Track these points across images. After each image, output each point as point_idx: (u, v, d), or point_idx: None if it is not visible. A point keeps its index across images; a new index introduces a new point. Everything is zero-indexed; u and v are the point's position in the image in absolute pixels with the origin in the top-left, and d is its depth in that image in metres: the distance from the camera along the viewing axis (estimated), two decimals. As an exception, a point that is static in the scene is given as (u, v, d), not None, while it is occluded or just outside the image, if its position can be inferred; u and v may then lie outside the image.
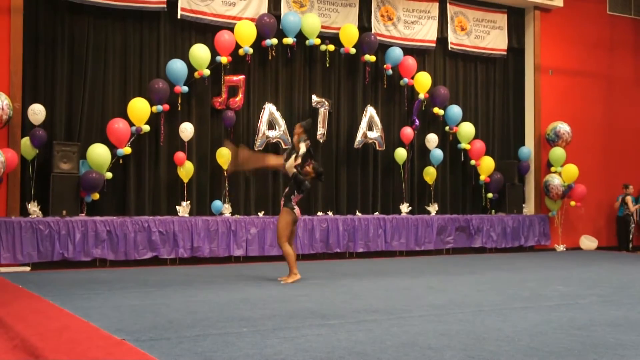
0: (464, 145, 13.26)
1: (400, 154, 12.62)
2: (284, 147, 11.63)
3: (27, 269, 9.22)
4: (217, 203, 11.01)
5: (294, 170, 7.95)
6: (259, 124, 11.43)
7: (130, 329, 4.92)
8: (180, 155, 10.75)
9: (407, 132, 12.67)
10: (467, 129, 13.19)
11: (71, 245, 9.44)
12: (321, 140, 12.07)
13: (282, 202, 8.09)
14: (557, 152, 13.79)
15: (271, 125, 11.50)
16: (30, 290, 7.09)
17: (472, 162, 13.36)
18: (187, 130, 10.78)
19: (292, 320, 5.39)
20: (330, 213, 12.03)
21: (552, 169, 13.89)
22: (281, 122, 11.52)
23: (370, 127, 12.36)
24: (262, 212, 11.45)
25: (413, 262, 10.99)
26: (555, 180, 13.61)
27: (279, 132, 11.50)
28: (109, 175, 10.20)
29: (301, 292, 7.12)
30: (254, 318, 5.43)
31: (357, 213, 12.31)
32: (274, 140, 11.53)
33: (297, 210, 7.97)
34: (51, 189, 9.66)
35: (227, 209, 11.08)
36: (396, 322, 5.33)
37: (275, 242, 10.91)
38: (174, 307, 6.01)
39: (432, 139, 12.94)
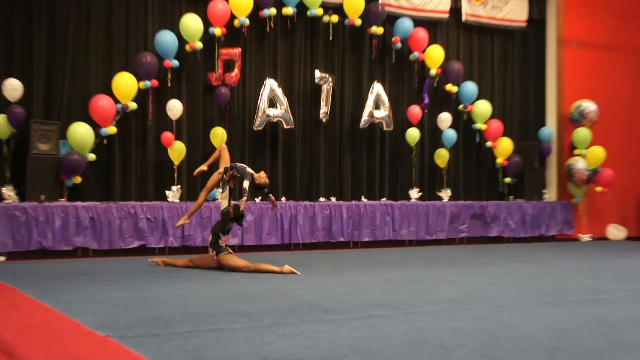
0: (479, 125, 13.21)
1: (413, 134, 12.58)
2: (285, 126, 11.59)
3: (2, 259, 9.21)
4: (214, 192, 10.97)
5: (225, 205, 8.27)
6: (258, 102, 11.37)
7: (115, 324, 4.89)
8: (167, 135, 10.71)
9: (415, 111, 12.63)
10: (482, 108, 13.13)
11: (50, 233, 9.41)
12: (324, 120, 12.02)
13: (212, 252, 8.21)
14: (582, 133, 13.72)
15: (272, 103, 11.45)
16: (5, 283, 7.06)
17: (488, 143, 13.32)
18: (175, 108, 10.73)
19: (291, 315, 5.36)
20: (333, 199, 12.01)
21: (576, 151, 13.83)
22: (283, 99, 11.47)
23: (377, 106, 12.31)
24: (259, 197, 11.41)
25: (423, 253, 10.97)
26: (579, 164, 13.54)
27: (281, 110, 11.45)
28: (92, 156, 10.16)
29: (302, 285, 7.09)
30: (250, 313, 5.41)
31: (363, 199, 12.29)
32: (275, 120, 11.49)
33: (230, 249, 8.29)
34: (28, 172, 9.62)
35: (221, 194, 11.03)
36: (405, 318, 5.31)
37: (273, 231, 10.90)
38: (163, 301, 5.98)
39: (444, 119, 12.89)
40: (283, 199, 11.69)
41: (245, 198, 8.14)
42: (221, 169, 8.55)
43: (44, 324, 4.89)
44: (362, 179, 12.62)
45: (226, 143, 11.00)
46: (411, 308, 5.77)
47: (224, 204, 8.31)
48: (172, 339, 4.47)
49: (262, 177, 8.42)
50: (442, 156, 12.95)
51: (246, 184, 8.19)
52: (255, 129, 11.47)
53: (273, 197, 8.76)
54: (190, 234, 10.28)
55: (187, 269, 8.42)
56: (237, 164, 8.57)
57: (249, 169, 8.45)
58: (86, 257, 9.68)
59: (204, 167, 8.97)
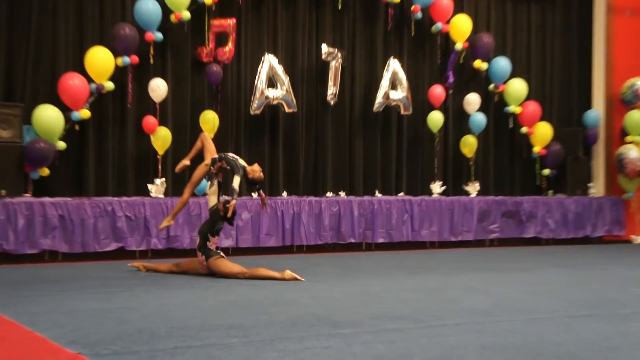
0: (513, 108, 13.16)
1: (435, 119, 12.56)
2: (286, 110, 11.57)
3: (-41, 263, 9.23)
4: (204, 185, 10.97)
5: (213, 203, 8.26)
6: (256, 81, 11.37)
7: (89, 340, 4.87)
8: (150, 120, 10.70)
9: (437, 92, 12.60)
10: (517, 88, 13.09)
11: (12, 234, 9.41)
12: (332, 102, 12.00)
13: (200, 256, 8.22)
14: (636, 117, 13.64)
15: (272, 83, 11.43)
16: (-39, 291, 7.05)
17: (524, 129, 13.27)
18: (159, 88, 10.72)
19: (294, 328, 5.34)
20: (342, 194, 11.99)
21: (628, 138, 13.75)
22: (284, 78, 11.46)
23: (393, 86, 12.28)
24: (256, 193, 11.39)
25: (447, 256, 10.95)
26: (631, 153, 13.47)
27: (282, 91, 11.43)
28: (62, 145, 10.16)
29: (306, 294, 7.06)
30: (246, 326, 5.39)
31: (377, 194, 12.28)
32: (275, 102, 11.48)
33: (221, 253, 8.29)
34: (-12, 163, 9.64)
35: (209, 189, 11.03)
36: (426, 332, 5.28)
37: (273, 231, 10.89)
38: (144, 313, 5.96)
39: (472, 101, 12.86)
40: (284, 194, 11.68)
41: (234, 201, 8.12)
42: (207, 161, 8.53)
43: (4, 340, 4.87)
44: (375, 170, 12.59)
45: (218, 129, 11.04)
46: (433, 321, 5.74)
47: (212, 200, 8.30)
48: (155, 356, 4.46)
49: (256, 170, 8.39)
50: (469, 144, 12.91)
51: (236, 182, 8.16)
52: (252, 113, 11.44)
53: (264, 194, 8.74)
54: (176, 234, 10.27)
55: (172, 275, 8.41)
56: (227, 154, 8.54)
57: (241, 161, 8.43)
58: (55, 261, 9.67)
59: (186, 162, 8.93)
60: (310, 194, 11.94)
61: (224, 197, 8.34)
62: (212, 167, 8.43)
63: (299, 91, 11.98)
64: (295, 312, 6.02)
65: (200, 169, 8.60)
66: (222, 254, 8.30)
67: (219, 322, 5.54)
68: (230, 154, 8.56)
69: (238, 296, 6.93)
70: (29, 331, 5.14)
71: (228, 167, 8.35)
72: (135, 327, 5.31)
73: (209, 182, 8.43)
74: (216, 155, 8.53)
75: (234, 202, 8.11)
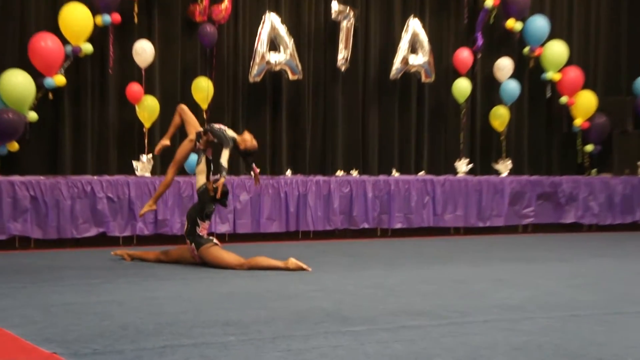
0: (551, 74, 13.12)
1: (461, 87, 12.54)
2: (291, 77, 11.54)
3: None
4: (192, 158, 10.96)
5: (201, 182, 8.27)
6: (256, 44, 11.35)
7: (66, 337, 4.89)
8: (134, 88, 10.70)
9: (464, 56, 12.56)
10: (556, 51, 13.05)
11: (-21, 218, 9.47)
12: (343, 68, 11.98)
13: (190, 244, 8.25)
14: (693, 85, 13.59)
15: (274, 46, 11.41)
16: None
17: (563, 99, 13.23)
18: (145, 51, 10.71)
19: (299, 325, 5.36)
20: (354, 173, 12.00)
21: (684, 109, 13.70)
22: (288, 41, 11.43)
23: (413, 49, 12.25)
24: (258, 169, 11.39)
25: (474, 244, 10.96)
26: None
27: (286, 55, 11.40)
28: (33, 116, 10.17)
29: (312, 286, 7.08)
30: (244, 322, 5.41)
31: (394, 173, 12.28)
32: (278, 68, 11.46)
33: (215, 240, 8.33)
34: (-50, 136, 9.67)
35: (196, 167, 11.05)
36: (449, 330, 5.29)
37: (275, 215, 10.90)
38: (129, 307, 5.98)
39: (504, 66, 12.83)
40: (288, 172, 11.68)
41: (223, 178, 8.13)
42: (192, 136, 8.54)
43: (-28, 336, 4.91)
44: (392, 146, 12.60)
45: (212, 99, 11.03)
46: (457, 317, 5.74)
47: (200, 180, 8.29)
48: (141, 357, 4.47)
49: (246, 139, 8.39)
50: (500, 116, 12.89)
51: (225, 157, 8.14)
52: (251, 80, 11.43)
53: (257, 169, 8.74)
54: (165, 218, 10.29)
55: (160, 264, 8.43)
56: (212, 125, 8.55)
57: (229, 132, 8.43)
58: (26, 249, 9.70)
59: (165, 142, 8.92)
60: (317, 172, 11.95)
61: (214, 177, 8.34)
62: (197, 142, 8.43)
63: (305, 55, 11.97)
64: (300, 307, 6.03)
65: (185, 146, 8.62)
66: (215, 241, 8.32)
67: (213, 318, 5.55)
68: (217, 125, 8.54)
69: (235, 288, 6.94)
70: (-3, 327, 5.19)
71: (215, 140, 8.34)
72: (119, 323, 5.32)
73: (197, 160, 8.44)
74: (201, 129, 8.53)
75: (222, 180, 8.10)
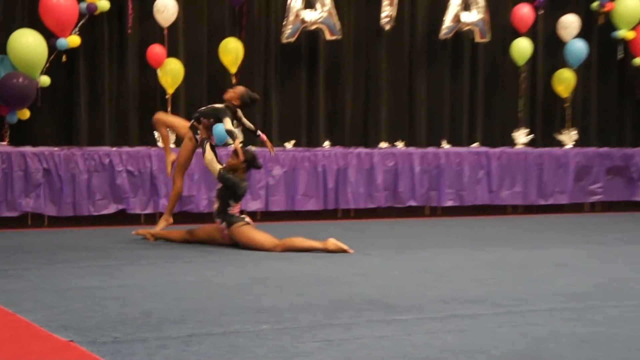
0: (623, 33, 12.96)
1: (521, 48, 12.44)
2: (328, 37, 11.49)
3: None
4: (219, 128, 10.96)
5: (217, 169, 8.30)
6: (289, 0, 11.30)
7: (83, 324, 4.93)
8: (156, 50, 10.72)
9: (523, 12, 12.44)
10: (629, 6, 12.87)
11: (-13, 193, 9.58)
12: (387, 27, 11.91)
13: (220, 224, 8.30)
14: None
15: (309, 2, 11.38)
16: None
17: (637, 60, 13.08)
18: (167, 9, 10.71)
19: (339, 313, 5.37)
20: (399, 144, 11.97)
21: None
22: (325, -4, 11.42)
23: (466, 6, 12.16)
24: (293, 141, 11.42)
25: (535, 224, 10.90)
26: None
27: (322, 12, 11.36)
28: (46, 80, 10.23)
29: (354, 270, 7.09)
30: (279, 309, 5.43)
31: (444, 144, 12.22)
32: (313, 27, 11.42)
33: (247, 218, 8.40)
34: (-46, 104, 9.77)
35: (236, 136, 11.07)
36: (507, 320, 5.27)
37: (312, 190, 10.90)
38: (152, 291, 6.02)
39: (569, 24, 12.70)
40: (326, 144, 11.67)
41: (236, 141, 8.22)
42: (188, 134, 8.67)
43: (-19, 323, 4.97)
44: (442, 114, 12.55)
45: (242, 63, 11.01)
46: (516, 305, 5.72)
47: (215, 167, 8.31)
48: (166, 346, 4.50)
49: (235, 93, 8.52)
50: (564, 80, 12.78)
51: (227, 124, 8.29)
52: (284, 41, 11.40)
53: (265, 137, 8.78)
54: (191, 194, 10.33)
55: (186, 245, 8.48)
56: (199, 110, 8.71)
57: (217, 105, 8.61)
58: (39, 227, 9.81)
59: (171, 157, 8.98)
60: (359, 144, 11.92)
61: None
62: (196, 135, 8.56)
63: (345, 13, 11.92)
64: (340, 293, 6.04)
65: (186, 147, 8.75)
66: (247, 219, 8.36)
67: (244, 305, 5.58)
68: (203, 107, 8.77)
69: (269, 272, 6.96)
70: (9, 313, 5.20)
71: (212, 120, 8.48)
72: (141, 310, 5.36)
73: (202, 151, 8.49)
74: (190, 122, 8.67)
75: (236, 143, 8.24)
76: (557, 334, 4.93)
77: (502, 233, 10.03)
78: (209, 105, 8.71)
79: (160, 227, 8.88)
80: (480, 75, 12.73)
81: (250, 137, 9.95)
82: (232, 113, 8.51)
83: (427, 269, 7.22)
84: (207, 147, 8.39)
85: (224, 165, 8.37)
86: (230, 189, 8.26)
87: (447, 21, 12.13)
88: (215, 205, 8.37)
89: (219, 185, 8.44)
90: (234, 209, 8.29)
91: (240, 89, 8.65)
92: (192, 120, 8.64)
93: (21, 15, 10.43)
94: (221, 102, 8.67)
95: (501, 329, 5.03)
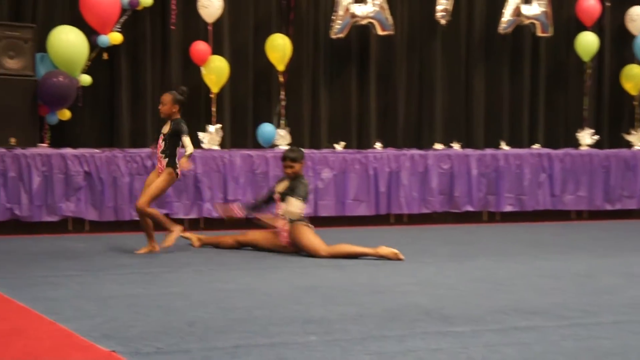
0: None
1: (586, 43, 12.37)
2: (380, 32, 11.49)
3: (-44, 234, 9.53)
4: (266, 128, 11.05)
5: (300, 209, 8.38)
6: (338, -7, 11.35)
7: (125, 334, 4.97)
8: (200, 47, 10.78)
9: (589, 5, 12.36)
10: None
11: (25, 197, 9.66)
12: (442, 22, 11.89)
13: (282, 221, 8.38)
14: None
15: (360, -5, 11.42)
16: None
17: None
18: (212, 4, 10.77)
19: (392, 324, 5.36)
20: (456, 146, 11.94)
21: None
22: (376, -11, 11.42)
23: (527, -2, 12.13)
24: (343, 143, 11.43)
25: (601, 231, 10.82)
26: None
27: (374, 7, 11.37)
28: (87, 79, 10.34)
29: (407, 279, 7.08)
30: (328, 320, 5.43)
31: (503, 146, 12.17)
32: (365, 22, 11.44)
33: (308, 223, 8.48)
34: (-9, 103, 9.87)
35: (282, 137, 11.13)
36: (571, 332, 5.23)
37: (363, 195, 10.88)
38: (196, 300, 6.06)
39: (637, 16, 12.60)
40: (378, 145, 11.67)
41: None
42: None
43: (18, 332, 4.97)
44: (501, 114, 12.51)
45: (290, 60, 11.04)
46: (580, 317, 5.68)
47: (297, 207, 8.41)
48: (210, 357, 4.51)
49: (166, 106, 8.37)
50: (633, 77, 12.69)
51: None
52: (333, 36, 11.43)
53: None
54: (236, 198, 10.37)
55: (232, 252, 8.53)
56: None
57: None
58: (80, 232, 9.89)
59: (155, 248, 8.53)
60: (412, 146, 11.92)
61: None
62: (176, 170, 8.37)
63: (397, 6, 11.93)
64: (393, 303, 6.03)
65: (167, 181, 8.47)
66: (309, 223, 8.46)
67: (292, 315, 5.59)
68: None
69: (318, 281, 6.97)
70: (49, 321, 5.25)
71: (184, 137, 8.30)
72: (185, 319, 5.39)
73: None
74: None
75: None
76: (624, 348, 4.88)
77: (565, 240, 9.95)
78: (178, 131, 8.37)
79: (144, 251, 8.48)
80: (541, 71, 12.67)
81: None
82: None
83: (485, 278, 7.19)
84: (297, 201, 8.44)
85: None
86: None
87: (507, 14, 12.09)
88: (280, 206, 8.45)
89: (281, 189, 8.50)
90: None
91: (166, 97, 8.42)
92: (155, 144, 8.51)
93: (61, 12, 10.56)
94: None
95: (565, 342, 4.99)
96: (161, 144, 8.29)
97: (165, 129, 8.29)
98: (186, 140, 8.20)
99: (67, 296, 6.15)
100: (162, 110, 8.36)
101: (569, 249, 9.22)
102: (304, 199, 8.40)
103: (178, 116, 8.35)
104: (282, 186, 8.49)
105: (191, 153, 8.27)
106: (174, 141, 8.30)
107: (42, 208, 9.71)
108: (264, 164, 10.52)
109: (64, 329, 5.08)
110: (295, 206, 8.29)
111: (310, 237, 8.31)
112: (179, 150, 8.31)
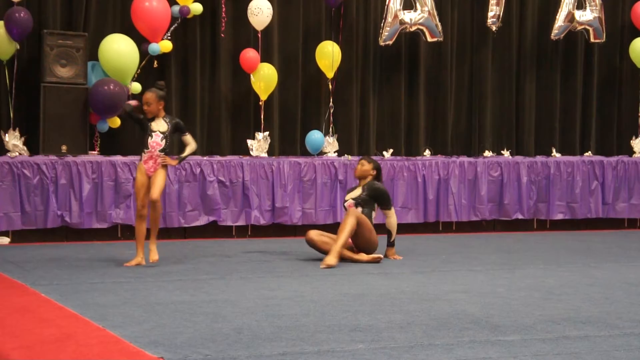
0: None
1: (640, 47, 12.26)
2: (429, 39, 11.46)
3: (6, 240, 9.63)
4: (315, 136, 11.06)
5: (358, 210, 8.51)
6: (388, 1, 11.30)
7: (174, 340, 5.00)
8: (250, 54, 10.82)
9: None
10: None
11: (76, 204, 9.77)
12: (493, 28, 11.83)
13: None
14: None
15: (409, 3, 11.37)
16: (9, 276, 7.33)
17: None
18: (262, 12, 10.79)
19: (440, 332, 5.35)
20: (506, 153, 11.89)
21: None
22: (426, -4, 11.41)
23: (580, 4, 12.01)
24: (391, 150, 11.42)
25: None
26: None
27: (423, 13, 11.35)
28: (137, 87, 10.41)
29: (456, 287, 7.07)
30: (376, 327, 5.43)
31: (554, 153, 12.09)
32: (414, 28, 11.41)
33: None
34: (42, 111, 9.93)
35: (331, 145, 11.15)
36: (623, 342, 5.18)
37: (411, 202, 10.88)
38: (243, 307, 6.08)
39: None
40: (427, 153, 11.64)
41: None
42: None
43: (68, 338, 5.03)
44: (552, 121, 12.42)
45: (339, 67, 11.05)
46: (633, 327, 5.63)
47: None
48: (257, 364, 4.57)
49: (151, 105, 8.30)
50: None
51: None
52: (382, 44, 11.42)
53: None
54: (284, 206, 10.40)
55: (282, 257, 8.58)
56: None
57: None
58: (129, 239, 9.87)
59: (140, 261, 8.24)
60: (461, 153, 11.88)
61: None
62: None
63: (447, 13, 11.91)
64: (441, 311, 6.02)
65: (163, 176, 8.42)
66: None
67: (339, 322, 5.59)
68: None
69: (365, 288, 6.97)
70: (98, 328, 5.29)
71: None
72: (232, 326, 5.42)
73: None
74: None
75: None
76: (678, 359, 4.85)
77: (617, 249, 9.86)
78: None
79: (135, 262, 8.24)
80: (594, 78, 12.56)
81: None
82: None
83: (535, 287, 7.14)
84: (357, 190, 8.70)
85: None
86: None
87: (559, 20, 12.02)
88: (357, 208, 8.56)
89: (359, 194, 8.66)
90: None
91: (150, 96, 8.33)
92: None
93: (112, 21, 10.64)
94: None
95: (617, 352, 4.94)
96: (160, 142, 8.26)
97: (161, 127, 8.27)
98: (189, 137, 8.34)
99: (115, 302, 6.20)
100: (149, 110, 8.29)
101: (621, 257, 9.16)
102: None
103: (164, 113, 8.36)
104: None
105: (195, 149, 8.44)
106: (172, 139, 8.46)
107: (92, 215, 9.81)
108: (312, 171, 10.53)
109: (112, 335, 5.12)
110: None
111: (371, 229, 8.53)
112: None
